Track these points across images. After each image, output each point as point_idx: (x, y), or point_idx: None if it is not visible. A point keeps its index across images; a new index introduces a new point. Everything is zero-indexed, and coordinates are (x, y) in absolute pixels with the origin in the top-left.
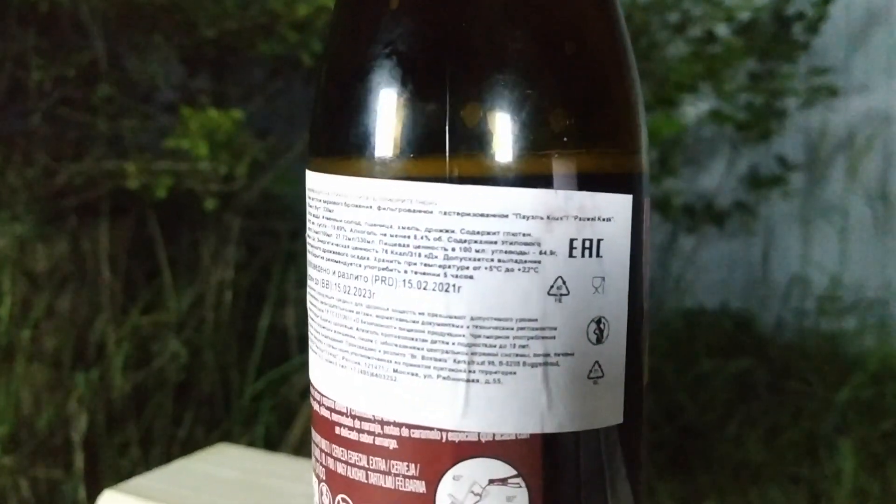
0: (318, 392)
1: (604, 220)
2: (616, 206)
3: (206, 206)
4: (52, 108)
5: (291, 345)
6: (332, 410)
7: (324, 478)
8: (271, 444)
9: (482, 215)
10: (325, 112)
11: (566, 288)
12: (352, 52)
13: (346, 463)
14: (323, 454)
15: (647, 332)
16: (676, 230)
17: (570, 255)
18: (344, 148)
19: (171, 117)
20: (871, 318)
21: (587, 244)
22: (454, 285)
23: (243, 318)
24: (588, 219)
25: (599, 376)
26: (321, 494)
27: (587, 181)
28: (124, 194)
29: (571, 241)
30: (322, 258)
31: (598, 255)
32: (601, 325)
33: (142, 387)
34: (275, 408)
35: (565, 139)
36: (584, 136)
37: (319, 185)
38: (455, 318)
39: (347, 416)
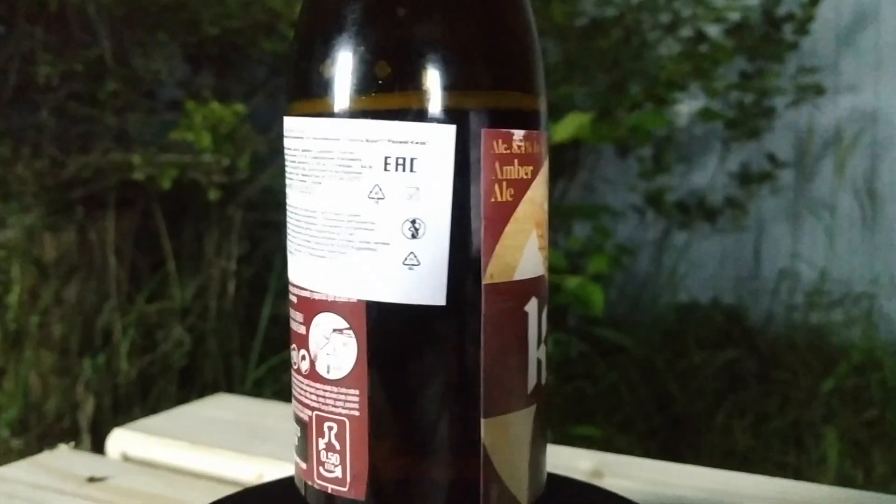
0: None
1: (418, 143)
2: (430, 134)
3: (210, 196)
4: (60, 102)
5: None
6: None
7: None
8: None
9: (325, 139)
10: None
11: (381, 193)
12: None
13: (289, 316)
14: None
15: (500, 240)
16: (669, 226)
17: (385, 169)
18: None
19: (176, 113)
20: (858, 311)
21: (401, 161)
22: (312, 189)
23: (245, 307)
24: (401, 142)
25: (415, 264)
26: None
27: (410, 114)
28: (130, 187)
29: (385, 157)
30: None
31: (412, 170)
32: (416, 225)
33: (147, 372)
34: (276, 394)
35: (381, 84)
36: (401, 82)
37: None
38: (313, 211)
39: (289, 284)
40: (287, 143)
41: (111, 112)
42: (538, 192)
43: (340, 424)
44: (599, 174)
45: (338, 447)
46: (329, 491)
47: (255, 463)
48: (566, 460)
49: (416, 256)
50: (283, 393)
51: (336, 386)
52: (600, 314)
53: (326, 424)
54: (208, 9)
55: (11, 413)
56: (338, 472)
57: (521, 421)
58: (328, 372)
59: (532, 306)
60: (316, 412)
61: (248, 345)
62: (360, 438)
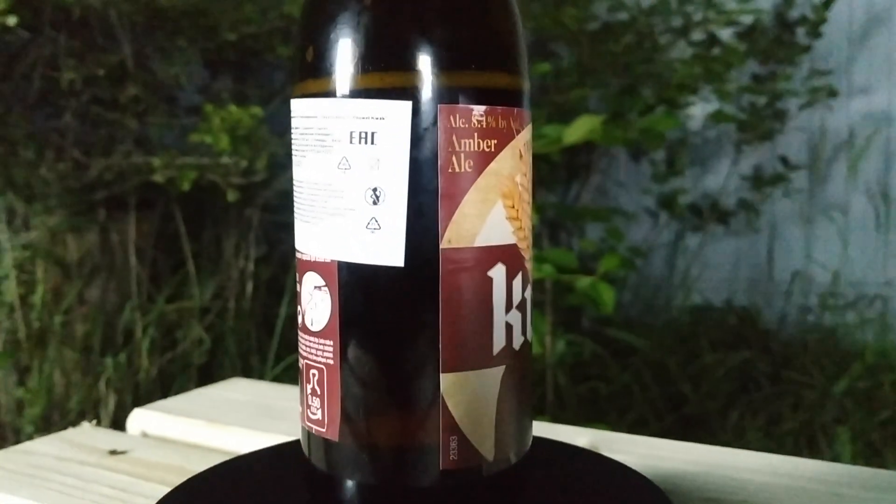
0: None
1: (377, 118)
2: (388, 110)
3: (229, 197)
4: (82, 106)
5: None
6: None
7: None
8: None
9: (307, 117)
10: None
11: (348, 164)
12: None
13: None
14: None
15: (458, 208)
16: (683, 229)
17: (351, 142)
18: None
19: (195, 118)
20: (871, 312)
21: (363, 135)
22: (301, 162)
23: (263, 307)
24: (363, 117)
25: (376, 228)
26: None
27: (371, 92)
28: (151, 189)
29: (351, 132)
30: None
31: (372, 143)
32: (377, 192)
33: (167, 370)
34: None
35: (346, 66)
36: (363, 63)
37: None
38: (301, 182)
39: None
40: (291, 122)
41: (132, 116)
42: (505, 165)
43: (320, 371)
44: (612, 177)
45: (319, 392)
46: (313, 431)
47: (269, 439)
48: (564, 436)
49: (377, 221)
50: None
51: (317, 337)
52: (612, 313)
53: (311, 371)
54: (226, 15)
55: (35, 409)
56: (319, 415)
57: (485, 380)
58: (312, 325)
59: (498, 272)
60: (305, 361)
61: (265, 344)
62: (334, 385)
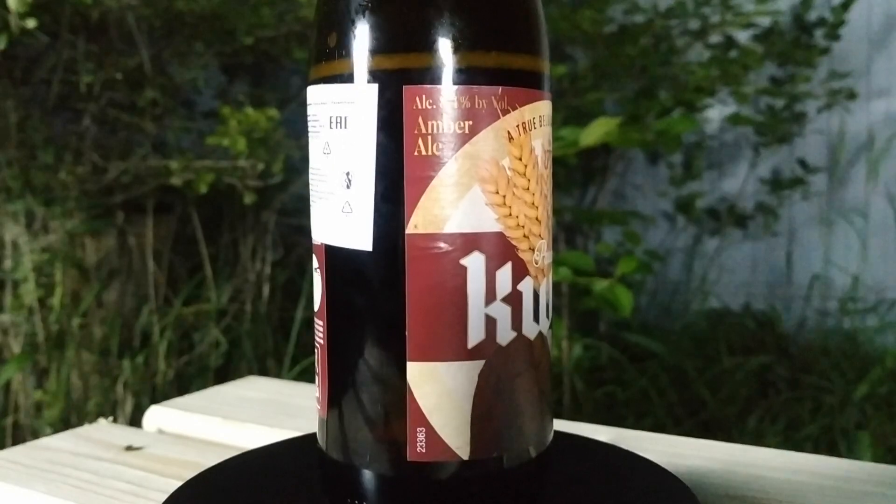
0: None
1: (348, 103)
2: (357, 94)
3: (245, 200)
4: (101, 110)
5: None
6: None
7: None
8: None
9: (308, 104)
10: None
11: (329, 148)
12: None
13: None
14: None
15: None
16: (701, 232)
17: (331, 127)
18: None
19: (212, 122)
20: (892, 316)
21: (338, 119)
22: (308, 148)
23: (279, 310)
24: (338, 102)
25: (349, 212)
26: None
27: (344, 77)
28: (168, 193)
29: (330, 117)
30: None
31: (345, 127)
32: (349, 176)
33: (184, 373)
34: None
35: (326, 53)
36: (337, 50)
37: None
38: (309, 167)
39: None
40: None
41: (150, 119)
42: (485, 148)
43: (317, 351)
44: (629, 180)
45: (317, 371)
46: (316, 409)
47: (285, 436)
48: (584, 434)
49: (349, 205)
50: None
51: (316, 318)
52: (629, 317)
53: (315, 350)
54: (243, 19)
55: (53, 412)
56: (318, 393)
57: (457, 373)
58: (315, 305)
59: (473, 261)
60: (314, 339)
61: (282, 347)
62: (324, 364)
